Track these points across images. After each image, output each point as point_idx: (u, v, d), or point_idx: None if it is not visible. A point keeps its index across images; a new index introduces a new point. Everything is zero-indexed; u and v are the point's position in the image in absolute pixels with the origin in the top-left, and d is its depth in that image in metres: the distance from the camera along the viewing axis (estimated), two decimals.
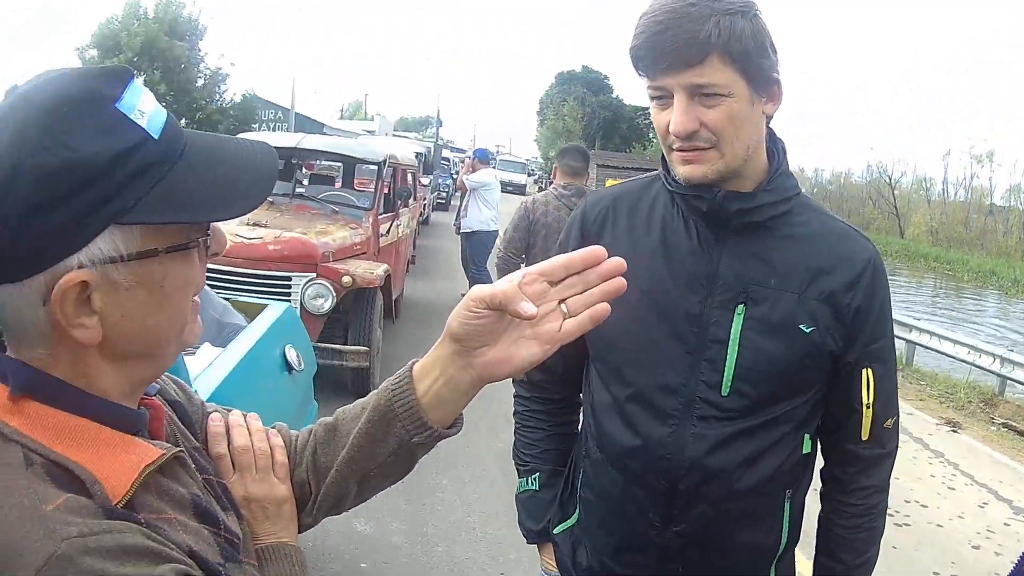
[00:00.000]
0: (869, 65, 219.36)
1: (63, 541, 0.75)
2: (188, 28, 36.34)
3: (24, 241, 0.79)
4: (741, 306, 1.61)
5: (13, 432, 0.83)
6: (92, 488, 0.82)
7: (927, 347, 12.21)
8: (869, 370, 1.67)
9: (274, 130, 37.13)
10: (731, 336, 1.61)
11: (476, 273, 10.66)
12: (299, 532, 1.17)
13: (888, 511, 1.79)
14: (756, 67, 1.51)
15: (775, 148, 1.67)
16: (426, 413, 1.09)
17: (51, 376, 0.86)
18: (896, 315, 12.96)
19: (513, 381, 2.00)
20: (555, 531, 1.92)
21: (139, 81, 0.88)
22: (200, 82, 37.36)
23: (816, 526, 1.83)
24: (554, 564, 1.93)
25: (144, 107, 0.86)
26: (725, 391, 1.62)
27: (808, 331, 1.61)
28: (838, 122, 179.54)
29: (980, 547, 5.73)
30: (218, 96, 38.29)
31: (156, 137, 0.86)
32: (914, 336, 12.40)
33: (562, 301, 1.05)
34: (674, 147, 1.57)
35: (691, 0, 1.46)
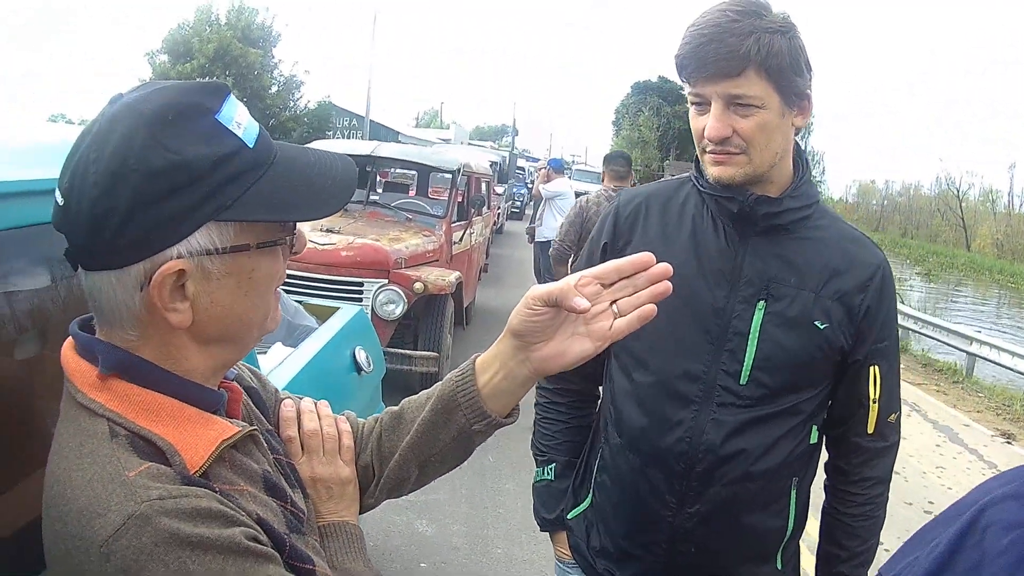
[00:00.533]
0: (886, 66, 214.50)
1: (143, 503, 0.84)
2: (261, 35, 36.91)
3: (129, 232, 0.89)
4: (762, 302, 1.71)
5: (100, 407, 0.92)
6: (172, 458, 0.90)
7: (987, 359, 12.08)
8: (876, 367, 1.77)
9: (349, 137, 37.74)
10: (751, 329, 1.71)
11: (549, 282, 10.57)
12: (360, 512, 1.25)
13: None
14: (789, 83, 1.60)
15: (799, 159, 1.76)
16: (486, 403, 1.17)
17: (139, 357, 0.95)
18: (958, 327, 12.89)
19: None
20: (569, 516, 2.00)
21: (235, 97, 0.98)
22: (274, 89, 37.94)
23: (821, 517, 1.92)
24: (568, 552, 2.02)
25: (240, 119, 0.96)
26: (743, 380, 1.72)
27: (822, 327, 1.71)
28: (855, 123, 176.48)
29: None
30: (292, 103, 38.88)
31: (251, 146, 0.95)
32: (975, 348, 12.27)
33: (613, 302, 1.13)
34: (707, 149, 1.67)
35: (735, 16, 1.56)
